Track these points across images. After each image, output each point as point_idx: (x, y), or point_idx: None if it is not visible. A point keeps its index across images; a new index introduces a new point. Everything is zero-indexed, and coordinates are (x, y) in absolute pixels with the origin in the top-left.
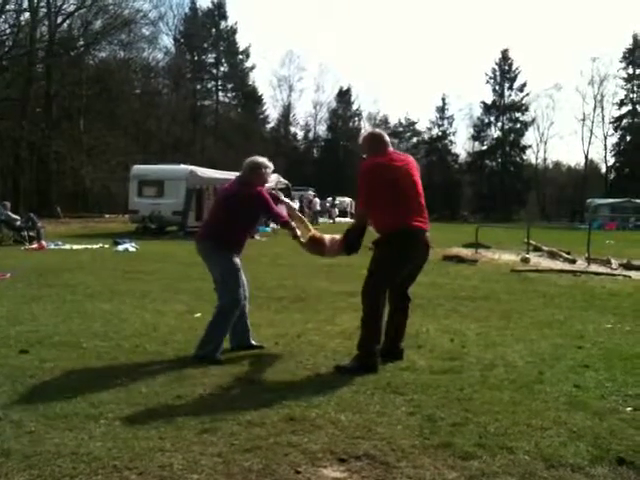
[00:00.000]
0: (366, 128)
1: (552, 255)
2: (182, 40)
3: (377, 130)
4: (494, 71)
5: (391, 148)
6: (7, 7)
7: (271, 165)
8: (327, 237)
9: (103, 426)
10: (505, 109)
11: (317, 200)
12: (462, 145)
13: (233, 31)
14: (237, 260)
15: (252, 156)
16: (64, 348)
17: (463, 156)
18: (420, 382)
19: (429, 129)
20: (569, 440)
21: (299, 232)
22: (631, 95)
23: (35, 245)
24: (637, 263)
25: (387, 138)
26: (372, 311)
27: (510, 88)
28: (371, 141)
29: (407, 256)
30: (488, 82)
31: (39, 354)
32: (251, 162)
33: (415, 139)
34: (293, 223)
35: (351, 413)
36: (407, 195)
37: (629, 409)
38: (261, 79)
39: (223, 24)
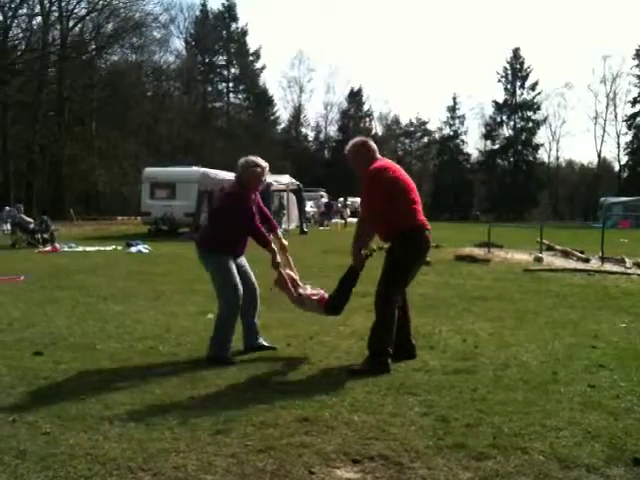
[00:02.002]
0: (376, 128)
1: (565, 254)
2: (193, 42)
3: (363, 138)
4: (505, 70)
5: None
6: (20, 12)
7: (264, 164)
8: (308, 289)
9: (118, 427)
10: (517, 108)
11: (322, 202)
12: (474, 144)
13: (244, 33)
14: (230, 261)
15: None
16: (78, 350)
17: (475, 155)
18: (433, 383)
19: (440, 129)
20: (584, 440)
21: (279, 260)
22: None
23: (48, 248)
24: None
25: (374, 145)
26: (390, 313)
27: (522, 87)
28: (362, 150)
29: (422, 255)
30: (499, 81)
31: (53, 356)
32: (244, 161)
33: (426, 139)
34: (275, 248)
35: (364, 414)
36: (417, 195)
37: None
38: (272, 80)
39: (234, 26)
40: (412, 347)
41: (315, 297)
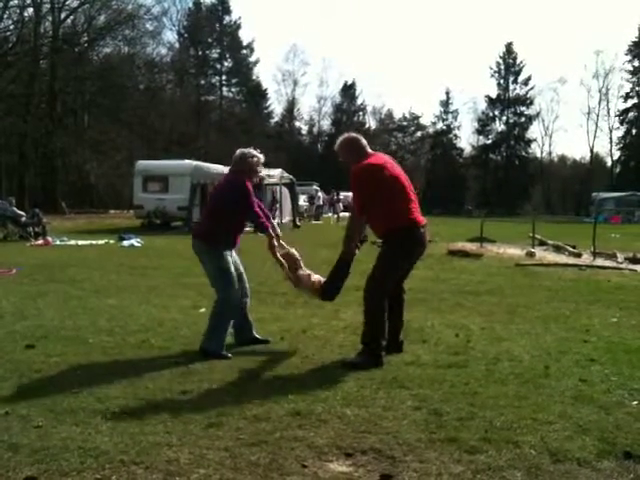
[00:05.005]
0: (369, 123)
1: (557, 249)
2: (186, 35)
3: (353, 134)
4: (498, 65)
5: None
6: (11, 3)
7: (260, 155)
8: (306, 271)
9: (110, 421)
10: (510, 103)
11: (320, 195)
12: (467, 139)
13: (237, 26)
14: (229, 256)
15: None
16: (70, 343)
17: (468, 150)
18: (425, 376)
19: (433, 123)
20: (575, 434)
21: (276, 244)
22: (637, 88)
23: (40, 241)
24: None
25: (364, 140)
26: (379, 307)
27: (515, 82)
28: (352, 145)
29: (414, 251)
30: (492, 76)
31: (45, 349)
32: (240, 151)
33: (419, 133)
34: (272, 232)
35: (357, 407)
36: (409, 191)
37: (635, 403)
38: (265, 74)
39: (227, 19)
40: (401, 342)
41: (315, 280)
